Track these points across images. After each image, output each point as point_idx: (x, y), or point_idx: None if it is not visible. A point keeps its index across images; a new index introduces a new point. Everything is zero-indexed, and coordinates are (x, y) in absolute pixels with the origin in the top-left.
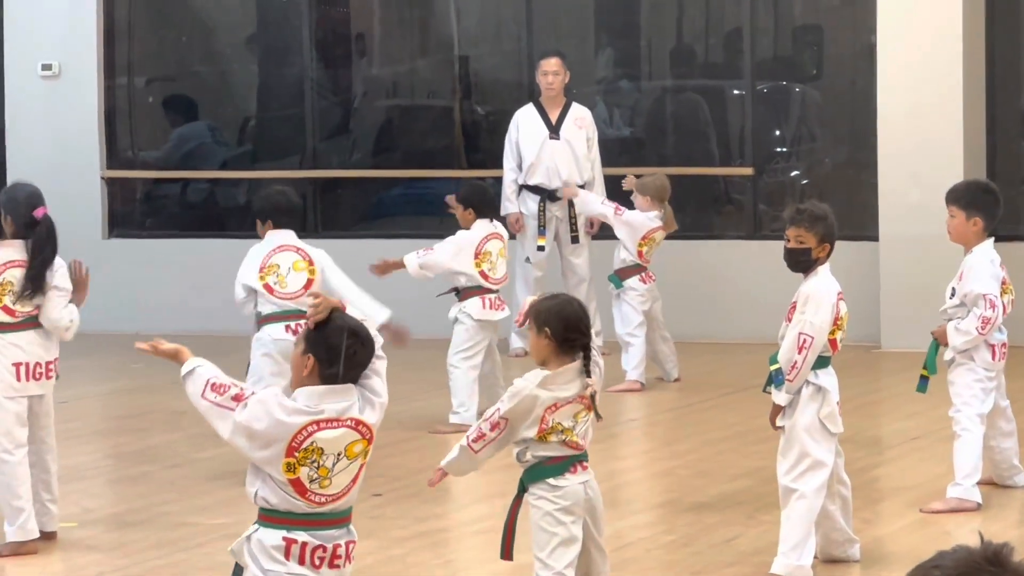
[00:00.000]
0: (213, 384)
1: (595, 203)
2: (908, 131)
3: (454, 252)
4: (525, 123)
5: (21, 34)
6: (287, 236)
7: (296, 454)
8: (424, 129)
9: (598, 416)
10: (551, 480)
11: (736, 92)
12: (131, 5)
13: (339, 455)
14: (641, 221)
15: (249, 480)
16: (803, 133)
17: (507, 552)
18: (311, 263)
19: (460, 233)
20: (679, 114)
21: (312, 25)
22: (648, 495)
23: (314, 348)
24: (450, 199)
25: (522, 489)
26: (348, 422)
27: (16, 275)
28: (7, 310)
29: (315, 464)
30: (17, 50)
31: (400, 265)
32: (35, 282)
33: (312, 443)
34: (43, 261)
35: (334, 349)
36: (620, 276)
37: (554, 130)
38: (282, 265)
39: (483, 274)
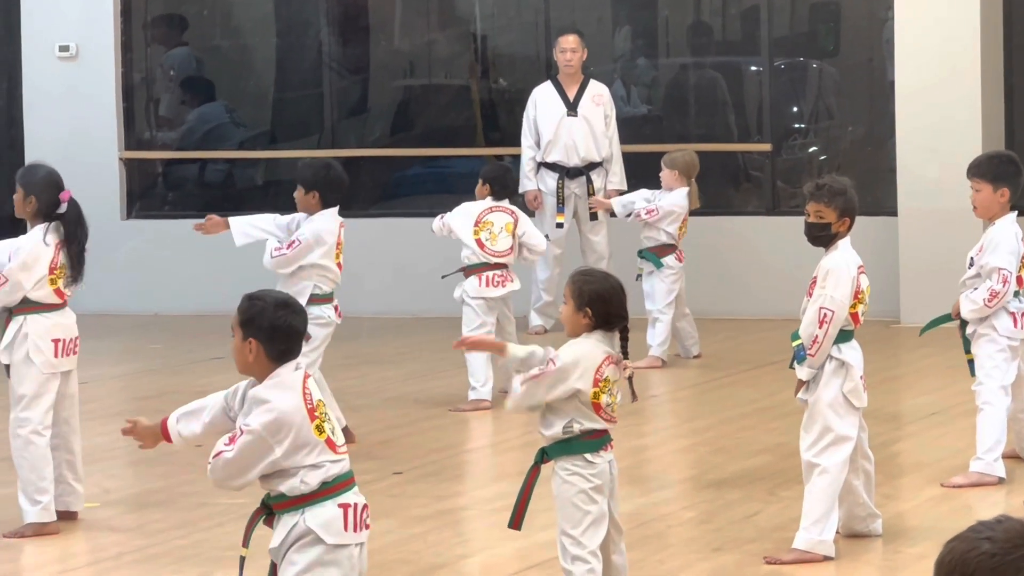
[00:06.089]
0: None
1: (627, 209)
2: (926, 106)
3: (460, 216)
4: (543, 100)
5: (38, 16)
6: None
7: (316, 414)
8: (442, 107)
9: (634, 396)
10: (588, 456)
11: (754, 68)
12: None
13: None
14: (676, 204)
15: (274, 483)
16: (821, 109)
17: (517, 522)
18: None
19: (466, 203)
20: (697, 91)
21: (329, 3)
22: (669, 472)
23: (254, 332)
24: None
25: (539, 459)
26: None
27: (63, 258)
28: (59, 293)
29: (327, 417)
30: (35, 32)
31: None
32: (79, 267)
33: (314, 399)
34: (81, 245)
35: (272, 326)
36: (657, 254)
37: (572, 107)
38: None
39: (479, 243)
